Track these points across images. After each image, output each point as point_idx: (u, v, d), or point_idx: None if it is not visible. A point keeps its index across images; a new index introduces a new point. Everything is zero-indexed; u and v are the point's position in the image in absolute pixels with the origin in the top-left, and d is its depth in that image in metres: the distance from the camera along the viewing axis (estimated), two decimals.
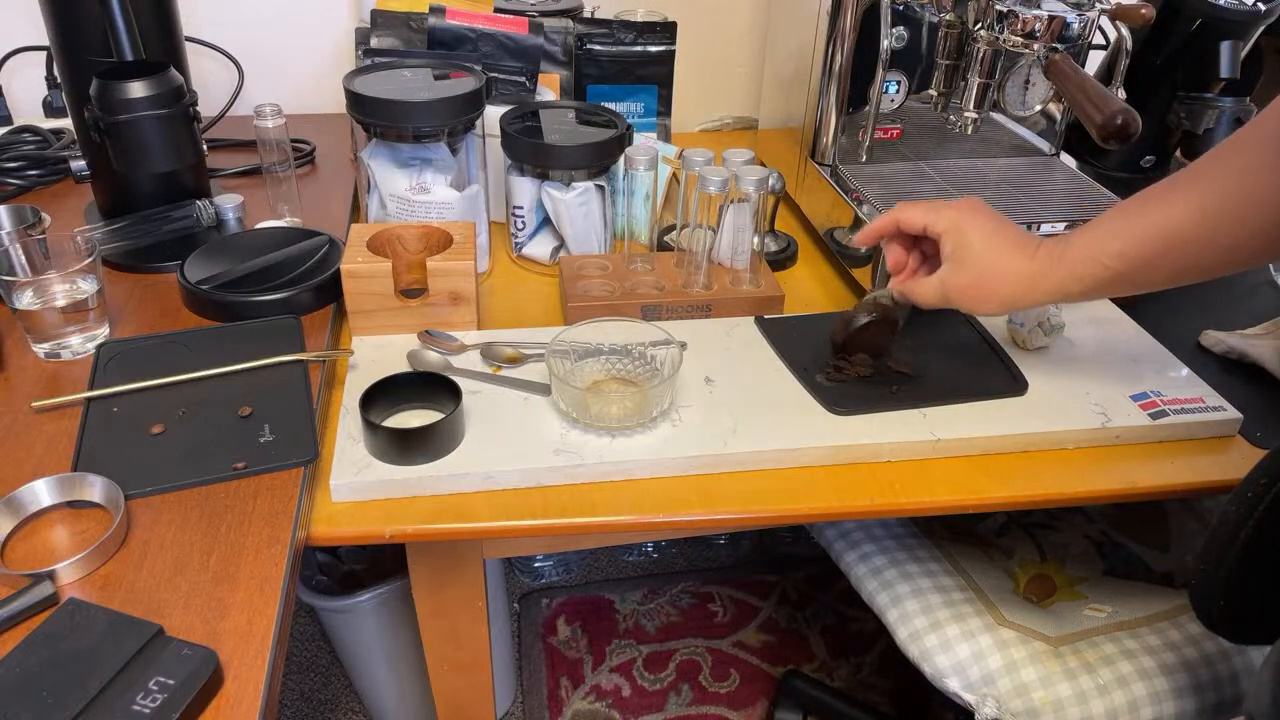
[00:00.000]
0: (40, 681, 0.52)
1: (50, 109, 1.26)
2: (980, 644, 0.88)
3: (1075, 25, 0.91)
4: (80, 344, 0.83)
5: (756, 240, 0.96)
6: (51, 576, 0.60)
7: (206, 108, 1.03)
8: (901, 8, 0.99)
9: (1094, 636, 0.89)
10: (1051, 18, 0.90)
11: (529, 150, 1.00)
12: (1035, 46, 0.90)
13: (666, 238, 1.09)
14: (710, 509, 0.74)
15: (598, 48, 1.17)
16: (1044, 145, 1.14)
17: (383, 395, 0.77)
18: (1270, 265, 1.10)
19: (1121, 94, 0.95)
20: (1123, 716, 0.84)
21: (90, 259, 0.82)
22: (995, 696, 0.85)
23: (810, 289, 1.04)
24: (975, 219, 0.78)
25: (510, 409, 0.81)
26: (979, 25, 0.95)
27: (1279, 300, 1.06)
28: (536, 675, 1.46)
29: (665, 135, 1.24)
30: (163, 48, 0.95)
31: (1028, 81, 0.97)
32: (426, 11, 1.09)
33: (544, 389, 0.83)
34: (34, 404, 0.76)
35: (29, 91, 1.27)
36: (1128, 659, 0.86)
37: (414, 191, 0.95)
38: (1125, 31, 0.96)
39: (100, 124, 0.86)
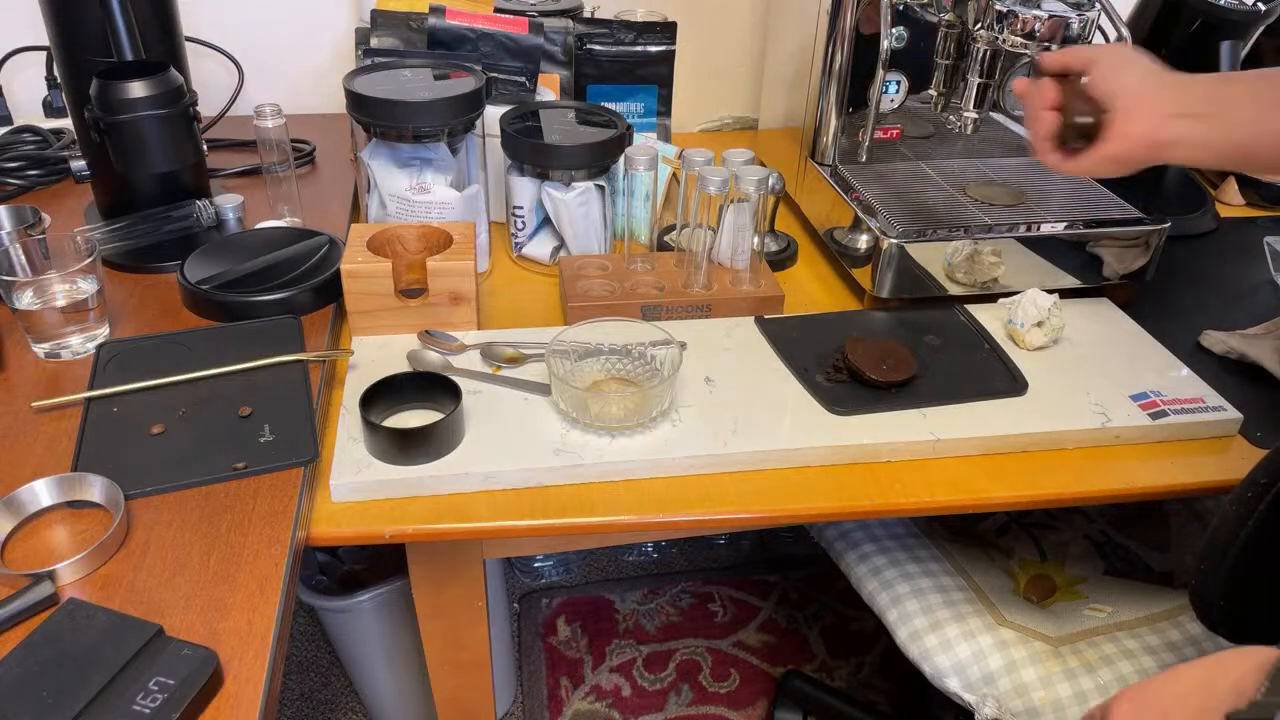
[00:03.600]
0: (40, 681, 0.52)
1: (50, 109, 1.26)
2: (980, 644, 0.88)
3: (1075, 25, 0.90)
4: (80, 344, 0.83)
5: (756, 240, 0.96)
6: (51, 576, 0.60)
7: (206, 108, 1.03)
8: (901, 7, 0.99)
9: (1094, 636, 0.89)
10: (1051, 18, 0.90)
11: (529, 150, 1.00)
12: (1033, 46, 0.90)
13: (666, 238, 1.09)
14: (710, 509, 0.74)
15: (598, 48, 1.17)
16: None
17: (383, 395, 0.78)
18: (1270, 265, 1.10)
19: None
20: None
21: (90, 259, 0.82)
22: (995, 696, 0.85)
23: (810, 289, 1.04)
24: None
25: (510, 409, 0.81)
26: (979, 25, 0.95)
27: (1279, 300, 1.06)
28: (536, 675, 1.46)
29: (665, 135, 1.24)
30: (163, 48, 0.95)
31: None
32: (426, 11, 1.08)
33: (544, 389, 0.83)
34: (34, 404, 0.76)
35: (29, 91, 1.27)
36: (1128, 659, 0.87)
37: (414, 191, 0.95)
38: (1126, 33, 0.96)
39: (100, 124, 0.86)
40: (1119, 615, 0.92)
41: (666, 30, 1.18)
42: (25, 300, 0.80)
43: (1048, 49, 0.90)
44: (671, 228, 1.10)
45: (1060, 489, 0.78)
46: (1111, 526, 1.05)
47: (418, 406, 0.80)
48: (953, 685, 0.87)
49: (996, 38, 0.93)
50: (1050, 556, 1.02)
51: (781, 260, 1.08)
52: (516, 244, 1.06)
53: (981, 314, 0.95)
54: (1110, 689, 0.84)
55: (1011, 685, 0.85)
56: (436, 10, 1.08)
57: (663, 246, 1.08)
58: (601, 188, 1.01)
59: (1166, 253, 0.99)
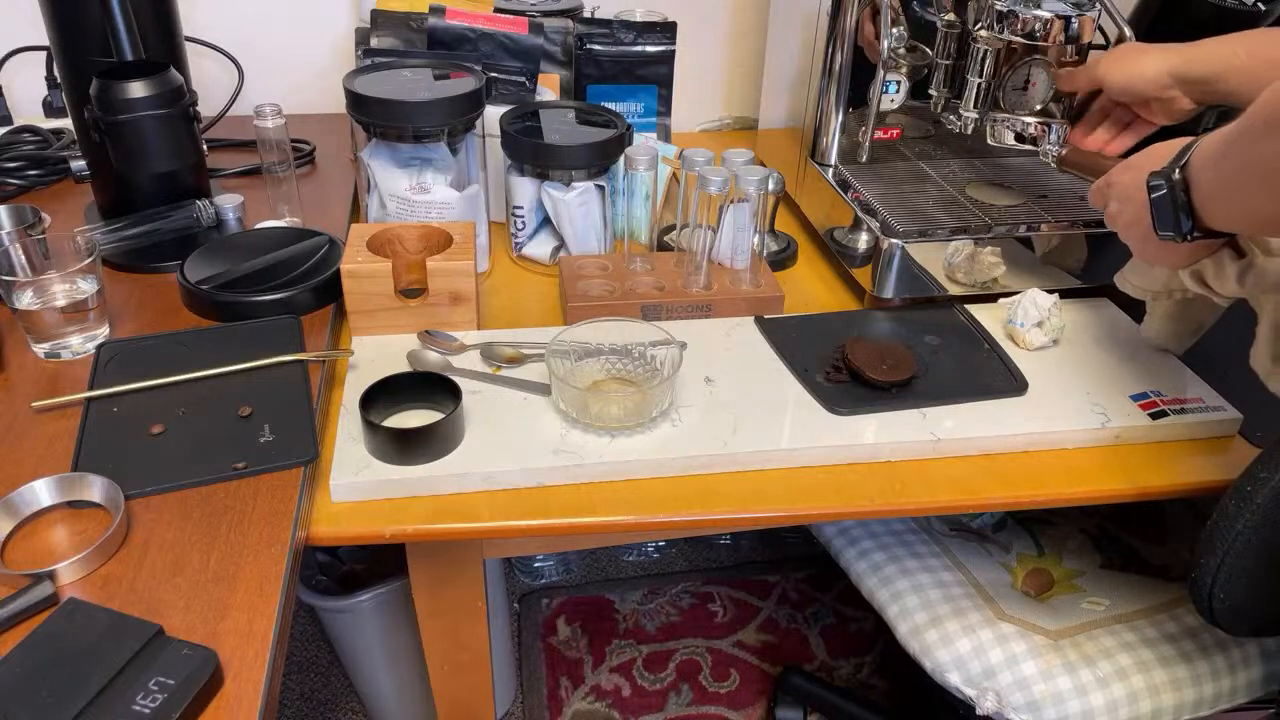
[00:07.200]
0: (40, 681, 0.52)
1: (50, 109, 1.26)
2: (980, 638, 0.88)
3: (1075, 25, 0.91)
4: (80, 344, 0.83)
5: (756, 240, 0.96)
6: (51, 576, 0.60)
7: (206, 108, 1.03)
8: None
9: (1093, 630, 0.89)
10: (1051, 18, 0.90)
11: (529, 150, 1.00)
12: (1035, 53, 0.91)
13: (666, 238, 1.09)
14: (710, 509, 0.74)
15: (598, 48, 1.17)
16: None
17: (383, 395, 0.77)
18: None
19: None
20: (1122, 709, 0.84)
21: (90, 259, 0.82)
22: (996, 690, 0.85)
23: (810, 289, 1.04)
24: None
25: (510, 409, 0.81)
26: (979, 25, 0.95)
27: None
28: (536, 675, 1.46)
29: (665, 135, 1.24)
30: (163, 48, 0.95)
31: (1028, 81, 0.97)
32: (426, 11, 1.08)
33: (544, 389, 0.83)
34: (34, 404, 0.76)
35: (29, 91, 1.27)
36: (1126, 651, 0.87)
37: (414, 191, 0.95)
38: (1128, 32, 0.96)
39: (100, 124, 0.86)
40: (1117, 608, 0.92)
41: (666, 30, 1.18)
42: (25, 300, 0.80)
43: (1046, 50, 0.90)
44: (671, 228, 1.10)
45: (1060, 489, 0.78)
46: (1108, 520, 1.05)
47: (418, 406, 0.80)
48: (953, 680, 0.87)
49: (997, 37, 0.93)
50: (1047, 551, 1.02)
51: (781, 260, 1.08)
52: (516, 244, 1.06)
53: (981, 314, 0.95)
54: (1110, 681, 0.84)
55: (1012, 679, 0.85)
56: (436, 10, 1.08)
57: (663, 246, 1.08)
58: (601, 188, 1.01)
59: None
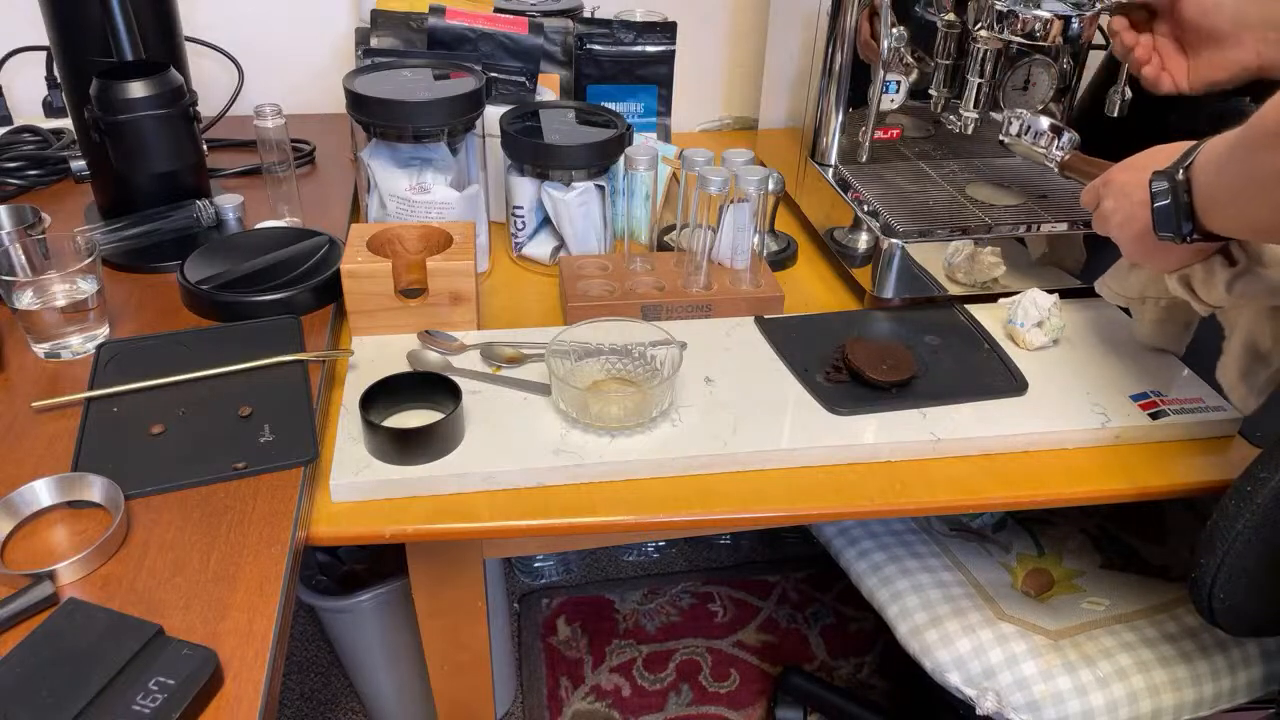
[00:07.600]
0: (40, 681, 0.52)
1: (50, 109, 1.26)
2: (980, 638, 0.88)
3: (1075, 25, 0.91)
4: (80, 344, 0.83)
5: (756, 240, 0.96)
6: (51, 576, 0.60)
7: (206, 108, 1.03)
8: None
9: (1093, 630, 0.90)
10: (1051, 18, 0.90)
11: (529, 150, 1.00)
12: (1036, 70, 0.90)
13: (666, 238, 1.09)
14: (710, 509, 0.74)
15: (598, 48, 1.17)
16: None
17: (383, 395, 0.78)
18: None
19: (1127, 94, 0.95)
20: (1122, 709, 0.84)
21: (90, 259, 0.82)
22: (996, 690, 0.85)
23: (810, 289, 1.04)
24: None
25: (510, 409, 0.81)
26: (979, 25, 0.95)
27: None
28: (536, 675, 1.46)
29: (665, 135, 1.24)
30: (163, 48, 0.95)
31: (1028, 81, 0.97)
32: (426, 11, 1.09)
33: (544, 389, 0.83)
34: (34, 404, 0.76)
35: (29, 91, 1.27)
36: (1126, 651, 0.87)
37: (414, 191, 0.95)
38: None
39: (100, 124, 0.86)
40: (1117, 608, 0.92)
41: (666, 30, 1.18)
42: (25, 300, 0.80)
43: (1046, 50, 0.90)
44: (671, 228, 1.10)
45: (1060, 489, 0.78)
46: (1108, 520, 1.05)
47: (418, 406, 0.80)
48: (953, 680, 0.87)
49: (997, 37, 0.93)
50: (1047, 551, 1.02)
51: (781, 260, 1.08)
52: (516, 244, 1.06)
53: (981, 314, 0.95)
54: (1110, 681, 0.84)
55: (1012, 679, 0.85)
56: (436, 10, 1.08)
57: (663, 246, 1.08)
58: (601, 188, 1.01)
59: None
